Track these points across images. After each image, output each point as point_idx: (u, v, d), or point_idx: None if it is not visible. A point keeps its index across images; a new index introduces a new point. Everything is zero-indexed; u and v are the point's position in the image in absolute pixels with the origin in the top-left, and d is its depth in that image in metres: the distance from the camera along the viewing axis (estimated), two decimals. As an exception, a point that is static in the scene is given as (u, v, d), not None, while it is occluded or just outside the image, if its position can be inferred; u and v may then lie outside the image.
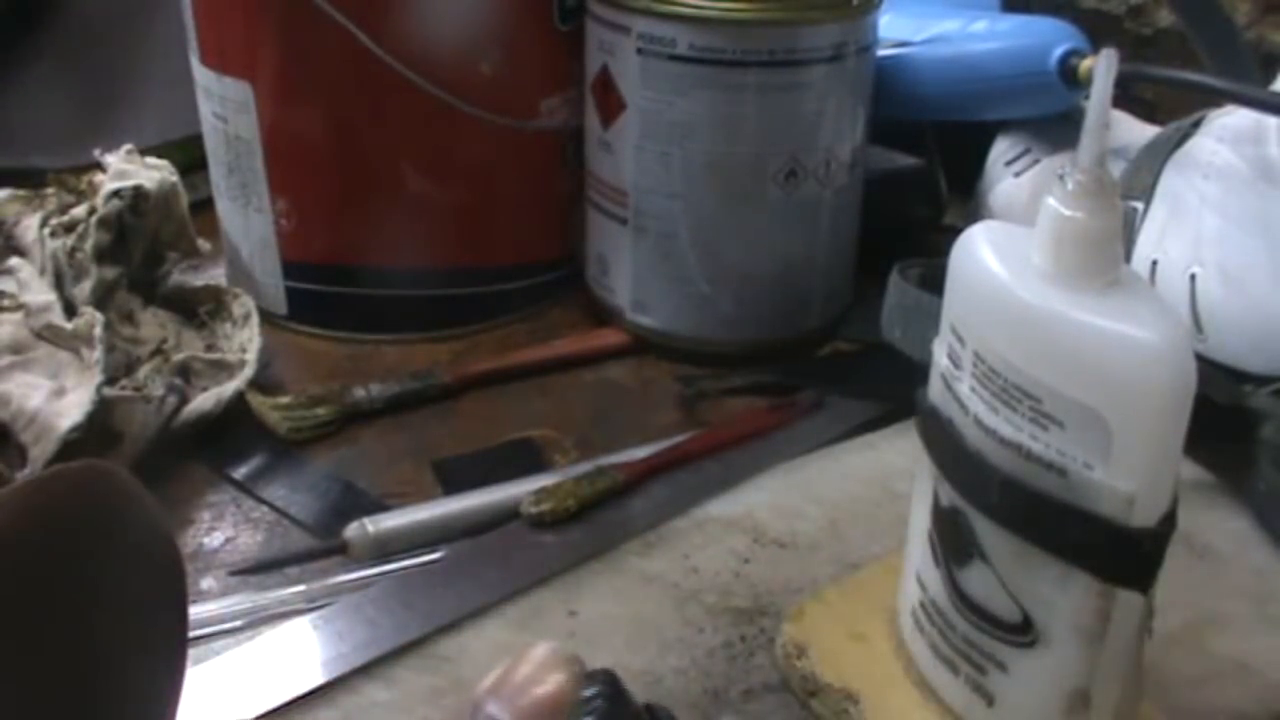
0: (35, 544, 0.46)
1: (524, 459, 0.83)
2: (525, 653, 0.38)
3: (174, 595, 0.52)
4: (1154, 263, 0.88)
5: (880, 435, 0.85)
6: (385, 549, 0.73)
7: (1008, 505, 0.52)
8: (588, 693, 0.38)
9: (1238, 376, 0.83)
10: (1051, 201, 0.50)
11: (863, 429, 0.86)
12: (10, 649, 0.44)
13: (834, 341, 0.98)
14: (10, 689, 0.44)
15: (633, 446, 0.82)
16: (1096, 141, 0.49)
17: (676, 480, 0.80)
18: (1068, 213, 0.49)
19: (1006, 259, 0.52)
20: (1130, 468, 0.48)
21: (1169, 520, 0.50)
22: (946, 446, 0.55)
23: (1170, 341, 0.47)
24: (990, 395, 0.52)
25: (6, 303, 0.81)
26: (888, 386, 0.86)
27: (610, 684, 0.39)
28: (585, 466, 0.79)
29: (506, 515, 0.76)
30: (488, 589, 0.70)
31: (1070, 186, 0.49)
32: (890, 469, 0.81)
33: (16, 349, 0.79)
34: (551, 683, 0.38)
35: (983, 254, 0.52)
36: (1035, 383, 0.49)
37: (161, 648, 0.51)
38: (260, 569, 0.72)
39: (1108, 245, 0.49)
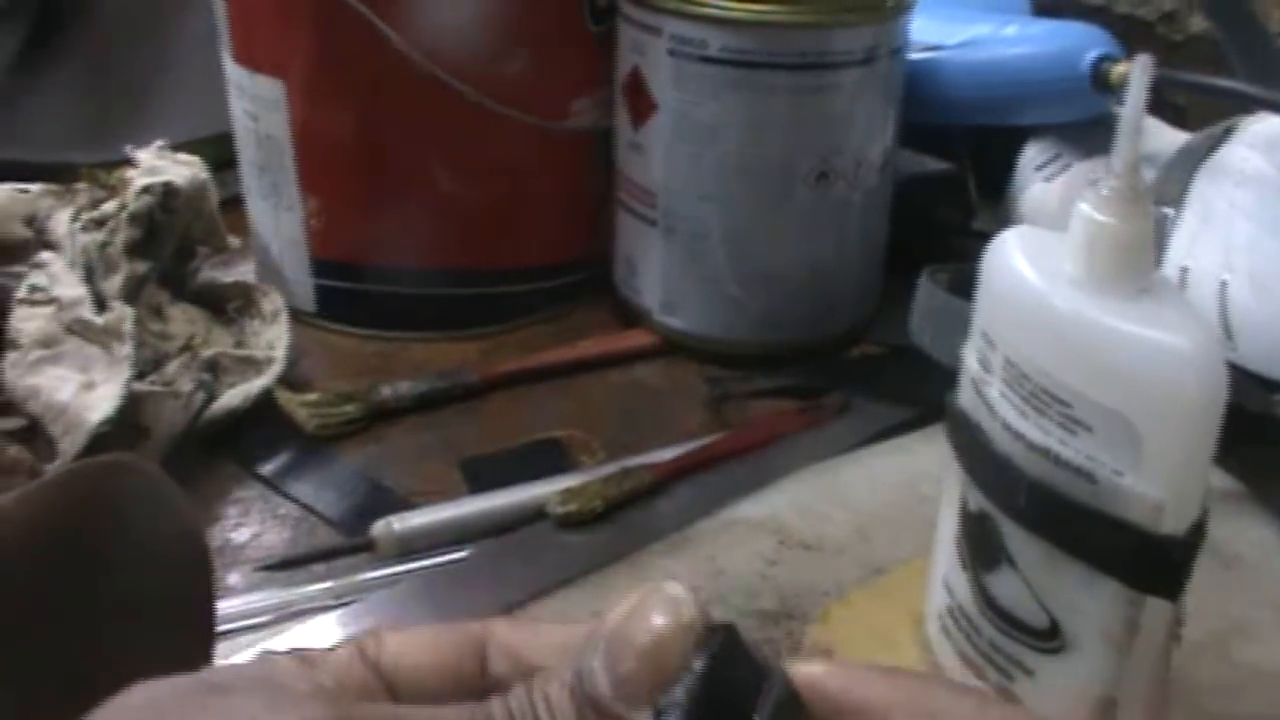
0: (67, 536, 0.46)
1: (550, 459, 0.83)
2: (646, 598, 0.35)
3: (202, 589, 0.52)
4: (1184, 270, 0.88)
5: (908, 439, 0.85)
6: (411, 547, 0.73)
7: (1036, 511, 0.52)
8: (698, 663, 0.35)
9: (1268, 384, 0.83)
10: (1084, 207, 0.50)
11: (890, 432, 0.86)
12: (41, 640, 0.45)
13: (862, 344, 0.98)
14: (40, 679, 0.44)
15: (660, 447, 0.82)
16: (1130, 147, 0.49)
17: (703, 482, 0.80)
18: (1101, 219, 0.49)
19: (1039, 264, 0.51)
20: (1160, 475, 0.48)
21: (1198, 529, 0.50)
22: (975, 451, 0.55)
23: (1201, 348, 0.47)
24: (1020, 400, 0.52)
25: (38, 296, 0.81)
26: (915, 390, 0.86)
27: (729, 645, 0.35)
28: (612, 467, 0.79)
29: (533, 515, 0.76)
30: (513, 588, 0.70)
31: (1104, 192, 0.49)
32: (917, 473, 0.81)
33: (47, 343, 0.79)
34: (662, 642, 0.34)
35: (1015, 259, 0.52)
36: (1065, 388, 0.49)
37: (189, 641, 0.51)
38: (287, 565, 0.72)
39: (1140, 252, 0.49)
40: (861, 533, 0.76)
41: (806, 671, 0.36)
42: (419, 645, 0.36)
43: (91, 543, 0.47)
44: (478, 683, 0.37)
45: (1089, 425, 0.49)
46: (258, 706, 0.32)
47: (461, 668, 0.37)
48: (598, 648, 0.34)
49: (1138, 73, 0.49)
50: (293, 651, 0.35)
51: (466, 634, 0.37)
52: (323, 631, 0.67)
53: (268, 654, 0.35)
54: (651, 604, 0.34)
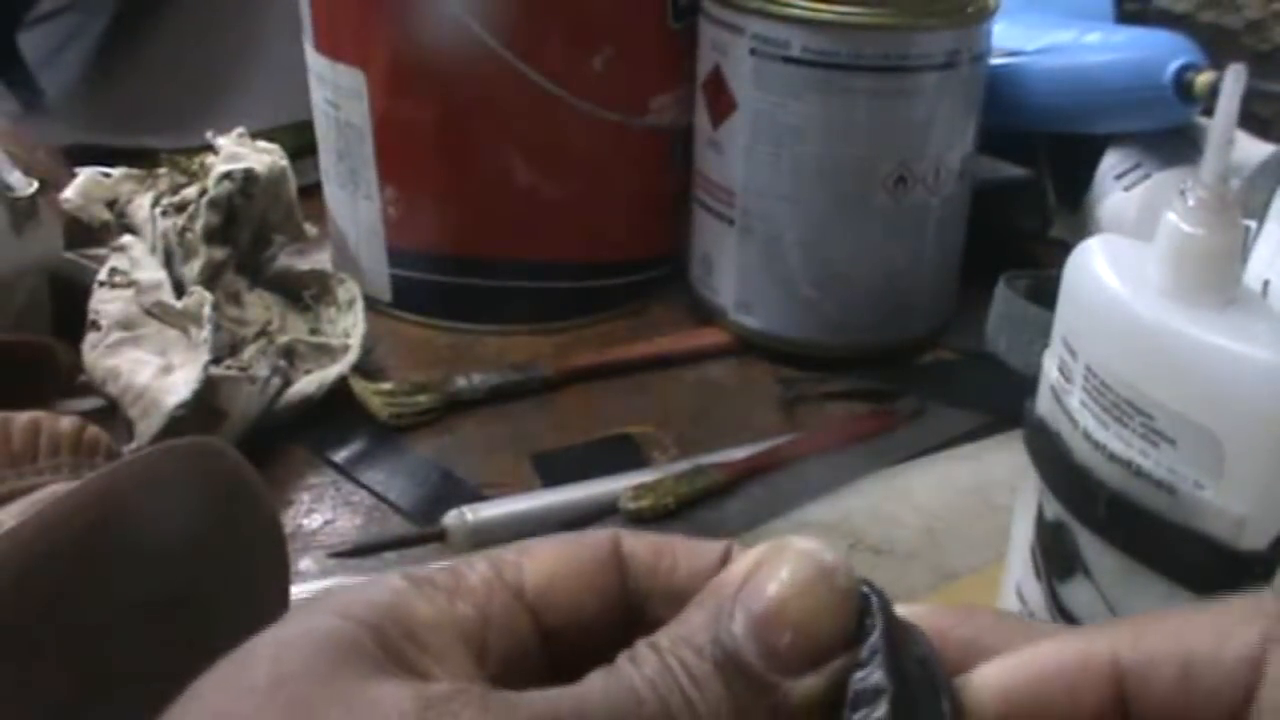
0: (150, 513, 0.46)
1: (623, 455, 0.83)
2: (783, 550, 0.32)
3: (278, 572, 0.53)
4: (1266, 283, 0.87)
5: (981, 446, 0.85)
6: (483, 539, 0.73)
7: (1115, 522, 0.52)
8: (874, 635, 0.32)
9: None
10: (1172, 218, 0.49)
11: (964, 438, 0.85)
12: (135, 613, 0.45)
13: (936, 349, 0.98)
14: (131, 649, 0.45)
15: (732, 447, 0.82)
16: (1220, 158, 0.49)
17: (775, 482, 0.80)
18: (1188, 229, 0.48)
19: (1123, 273, 0.51)
20: (1242, 489, 0.48)
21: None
22: (1054, 460, 0.55)
23: (1288, 363, 0.47)
24: (1101, 410, 0.51)
25: (118, 279, 0.82)
26: (989, 397, 0.86)
27: (885, 612, 0.32)
28: (684, 465, 0.80)
29: (605, 510, 0.76)
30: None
31: (1191, 203, 0.49)
32: (990, 480, 0.81)
33: (127, 325, 0.80)
34: (818, 610, 0.31)
35: (1099, 268, 0.52)
36: (1148, 399, 0.49)
37: (266, 623, 0.51)
38: (358, 552, 0.73)
39: (1227, 263, 0.49)
40: (933, 539, 0.76)
41: (918, 612, 0.34)
42: (561, 562, 0.33)
43: (177, 520, 0.47)
44: (620, 597, 0.34)
45: (1171, 437, 0.49)
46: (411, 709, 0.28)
47: (606, 585, 0.34)
48: (735, 613, 0.31)
49: (1230, 82, 0.49)
50: (424, 579, 0.32)
51: (600, 546, 0.34)
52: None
53: (391, 586, 0.31)
54: (786, 559, 0.32)
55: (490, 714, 0.28)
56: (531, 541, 0.35)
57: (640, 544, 0.34)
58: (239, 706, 0.29)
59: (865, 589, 0.32)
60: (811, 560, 0.32)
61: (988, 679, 0.32)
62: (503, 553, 0.33)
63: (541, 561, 0.33)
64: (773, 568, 0.31)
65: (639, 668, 0.30)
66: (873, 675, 0.31)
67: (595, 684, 0.30)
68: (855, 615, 0.32)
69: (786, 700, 0.30)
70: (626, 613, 0.34)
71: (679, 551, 0.34)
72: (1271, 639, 0.29)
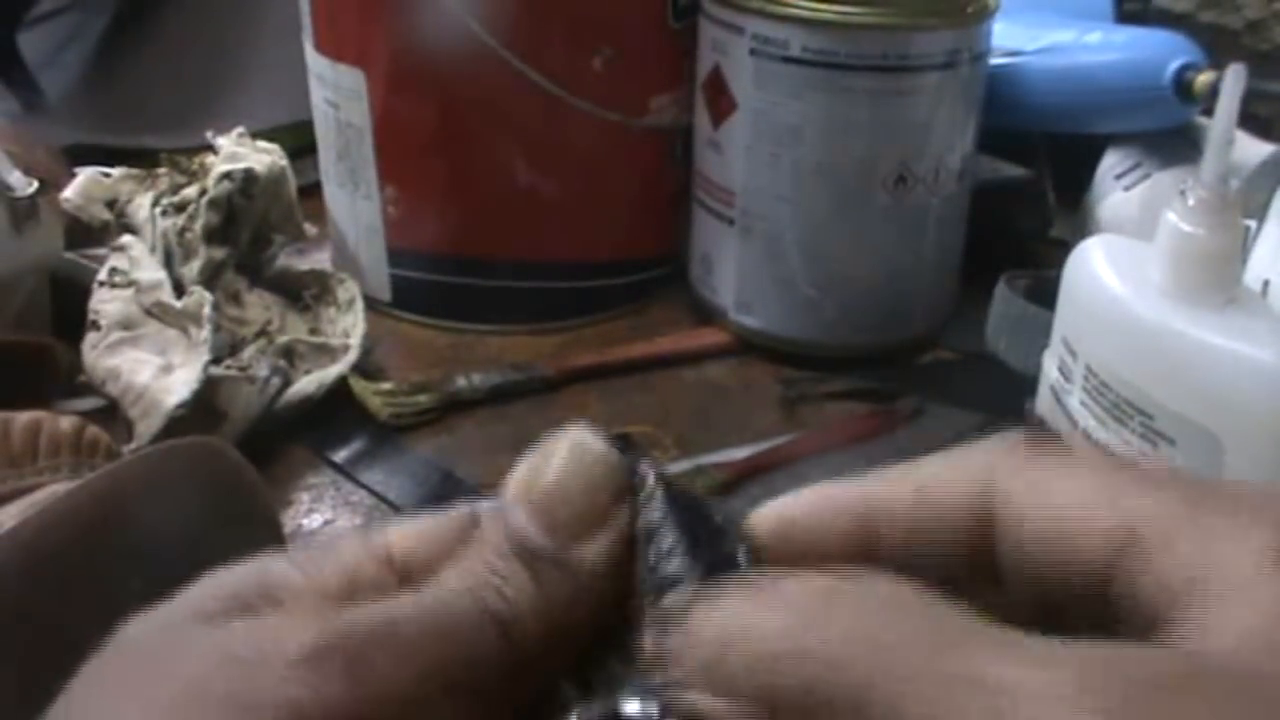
0: (150, 513, 0.46)
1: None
2: (552, 444, 0.34)
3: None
4: (1266, 283, 0.87)
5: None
6: (482, 538, 0.73)
7: (1114, 521, 0.52)
8: (650, 485, 0.34)
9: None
10: (1172, 218, 0.49)
11: (963, 438, 0.85)
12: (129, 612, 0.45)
13: (936, 349, 0.98)
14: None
15: (732, 447, 0.82)
16: (1220, 158, 0.49)
17: (775, 482, 0.80)
18: (1188, 229, 0.49)
19: (1123, 274, 0.51)
20: (1242, 489, 0.48)
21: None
22: (1054, 460, 0.55)
23: (1288, 363, 0.47)
24: (1101, 410, 0.51)
25: (118, 279, 0.82)
26: (989, 396, 0.85)
27: (657, 470, 0.34)
28: (684, 465, 0.79)
29: (604, 510, 0.76)
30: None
31: (1192, 203, 0.49)
32: (990, 480, 0.80)
33: (127, 325, 0.80)
34: (588, 481, 0.33)
35: (1099, 268, 0.52)
36: (1148, 399, 0.49)
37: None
38: (359, 553, 0.73)
39: (1227, 263, 0.49)
40: (932, 538, 0.76)
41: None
42: (425, 527, 0.35)
43: (176, 519, 0.47)
44: None
45: (1171, 437, 0.49)
46: (244, 635, 0.31)
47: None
48: (517, 506, 0.33)
49: (1230, 83, 0.49)
50: (295, 554, 0.34)
51: (460, 515, 0.36)
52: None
53: (265, 562, 0.33)
54: (558, 450, 0.34)
55: (309, 616, 0.31)
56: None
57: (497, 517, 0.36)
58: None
59: (629, 456, 0.34)
60: (569, 439, 0.34)
61: (762, 516, 0.35)
62: (370, 529, 0.35)
63: (406, 530, 0.34)
64: (541, 459, 0.33)
65: (458, 574, 0.32)
66: (653, 513, 0.33)
67: (406, 597, 0.32)
68: (625, 476, 0.34)
69: (582, 568, 0.32)
70: None
71: None
72: (998, 457, 0.32)
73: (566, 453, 0.34)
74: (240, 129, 0.93)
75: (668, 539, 0.33)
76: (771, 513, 0.35)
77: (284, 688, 0.29)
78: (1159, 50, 0.96)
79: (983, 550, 0.31)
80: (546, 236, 0.97)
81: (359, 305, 0.91)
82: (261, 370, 0.81)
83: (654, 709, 0.31)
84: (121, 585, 0.46)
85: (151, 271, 0.83)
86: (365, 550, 0.34)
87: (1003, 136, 1.04)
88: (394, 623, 0.31)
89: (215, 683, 0.30)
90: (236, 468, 0.52)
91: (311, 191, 1.01)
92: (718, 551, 0.33)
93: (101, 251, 0.86)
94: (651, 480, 0.34)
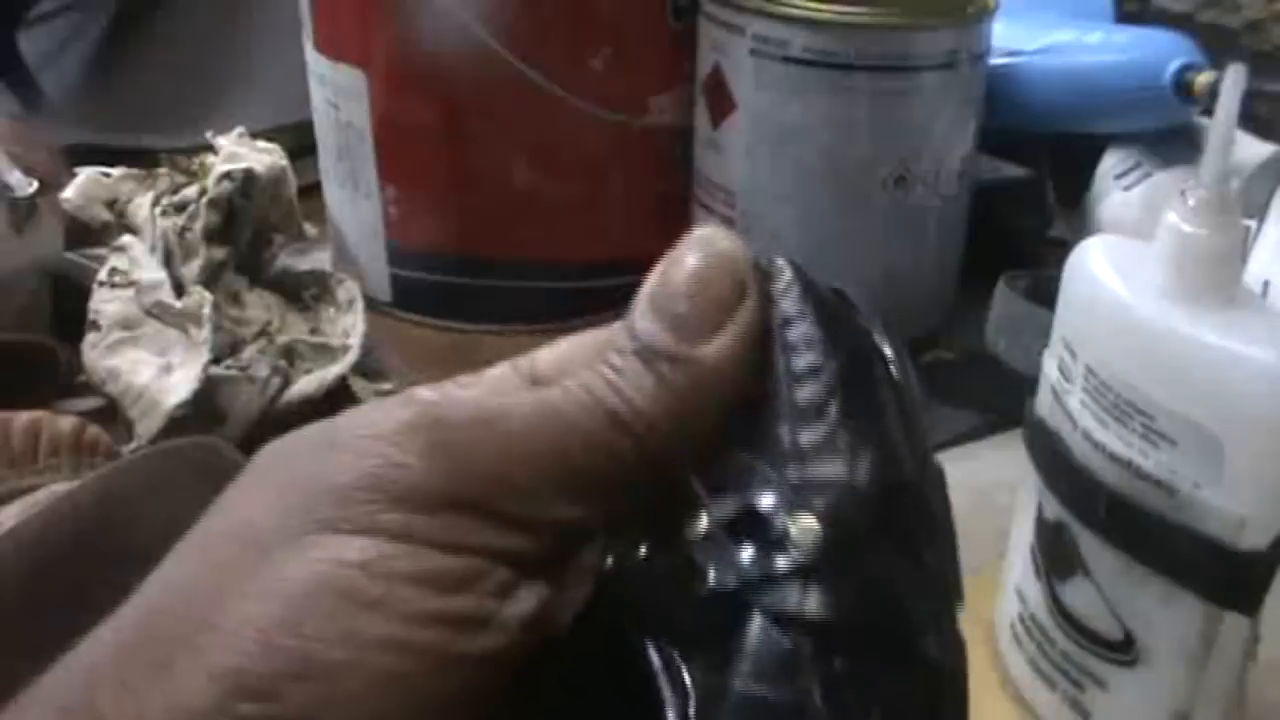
0: (150, 513, 0.46)
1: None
2: (681, 246, 0.34)
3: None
4: (1266, 283, 0.87)
5: (981, 445, 0.85)
6: (482, 538, 0.73)
7: (1114, 521, 0.52)
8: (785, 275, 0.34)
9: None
10: (1173, 217, 0.49)
11: (963, 439, 0.85)
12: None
13: (936, 349, 0.97)
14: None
15: (732, 446, 0.82)
16: (1220, 158, 0.49)
17: (774, 482, 0.80)
18: (1189, 229, 0.48)
19: (1124, 274, 0.51)
20: (1242, 489, 0.48)
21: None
22: (1054, 460, 0.55)
23: (1288, 363, 0.47)
24: (1101, 410, 0.51)
25: (118, 279, 0.82)
26: (989, 397, 0.85)
27: (794, 265, 0.35)
28: (684, 465, 0.79)
29: (604, 510, 0.76)
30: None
31: (1192, 203, 0.49)
32: (990, 480, 0.80)
33: (127, 325, 0.80)
34: (713, 277, 0.33)
35: (1099, 268, 0.52)
36: (1149, 399, 0.49)
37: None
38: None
39: (1227, 263, 0.49)
40: (931, 538, 0.76)
41: None
42: (569, 350, 0.36)
43: (177, 519, 0.47)
44: None
45: (1171, 438, 0.49)
46: (345, 421, 0.33)
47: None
48: (642, 309, 0.34)
49: (1230, 83, 0.49)
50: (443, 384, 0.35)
51: (612, 333, 0.35)
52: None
53: (413, 389, 0.35)
54: (683, 250, 0.34)
55: (417, 405, 0.33)
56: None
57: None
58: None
59: (767, 258, 0.35)
60: (696, 239, 0.34)
61: None
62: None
63: (553, 348, 0.36)
64: (670, 262, 0.34)
65: (577, 381, 0.33)
66: (789, 305, 0.34)
67: (526, 394, 0.33)
68: (751, 270, 0.34)
69: (705, 363, 0.33)
70: None
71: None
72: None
73: (693, 253, 0.34)
74: (240, 129, 0.93)
75: (803, 330, 0.33)
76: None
77: (361, 461, 0.31)
78: (1159, 50, 0.96)
79: None
80: (546, 236, 0.96)
81: (359, 305, 0.90)
82: (261, 370, 0.81)
83: (786, 503, 0.31)
84: (122, 585, 0.46)
85: (151, 271, 0.83)
86: (511, 368, 0.35)
87: (1003, 136, 1.04)
88: (502, 413, 0.32)
89: (304, 464, 0.32)
90: (236, 468, 0.52)
91: (311, 191, 1.01)
92: (855, 342, 0.34)
93: (101, 251, 0.86)
94: (789, 274, 0.34)
